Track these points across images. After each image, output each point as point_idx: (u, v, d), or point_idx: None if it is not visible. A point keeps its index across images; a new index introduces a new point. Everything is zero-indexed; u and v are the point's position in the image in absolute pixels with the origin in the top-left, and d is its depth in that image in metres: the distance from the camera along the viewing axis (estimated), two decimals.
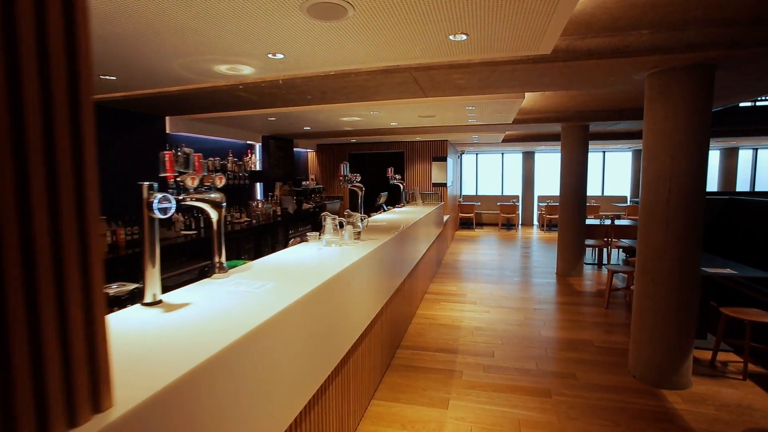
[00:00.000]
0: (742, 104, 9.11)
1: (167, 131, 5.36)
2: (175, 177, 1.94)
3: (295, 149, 8.96)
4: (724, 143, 11.37)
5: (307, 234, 2.89)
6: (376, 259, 2.92)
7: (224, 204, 2.06)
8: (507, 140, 9.58)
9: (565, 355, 3.78)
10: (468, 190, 14.13)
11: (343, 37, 2.42)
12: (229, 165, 6.54)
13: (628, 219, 10.37)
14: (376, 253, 2.93)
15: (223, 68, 2.97)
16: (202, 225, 5.89)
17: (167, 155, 1.94)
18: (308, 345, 1.79)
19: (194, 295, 1.74)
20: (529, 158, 13.07)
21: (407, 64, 2.99)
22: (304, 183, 8.70)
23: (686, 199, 2.99)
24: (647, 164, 3.20)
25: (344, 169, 4.31)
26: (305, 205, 8.33)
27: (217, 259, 2.05)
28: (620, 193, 13.14)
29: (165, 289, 1.78)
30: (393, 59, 2.84)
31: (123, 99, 3.81)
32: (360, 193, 4.38)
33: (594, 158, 13.27)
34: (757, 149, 12.82)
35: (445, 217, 8.35)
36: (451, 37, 2.38)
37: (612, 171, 13.37)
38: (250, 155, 7.26)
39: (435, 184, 9.02)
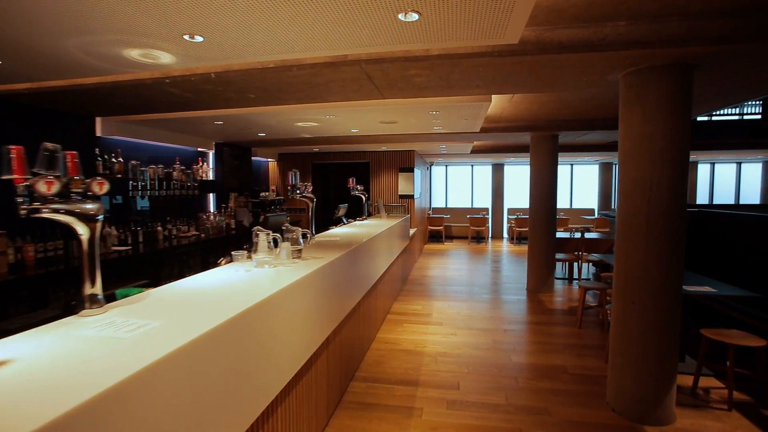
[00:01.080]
0: (699, 118, 9.22)
1: (98, 134, 4.76)
2: (26, 180, 1.45)
3: (253, 158, 8.42)
4: None
5: (233, 253, 2.40)
6: (318, 281, 2.46)
7: (100, 217, 1.57)
8: (476, 151, 9.35)
9: (537, 384, 3.40)
10: (437, 202, 13.87)
11: (272, 15, 1.99)
12: (175, 173, 5.95)
13: (597, 232, 10.30)
14: (320, 274, 2.48)
15: (134, 53, 2.48)
16: (141, 240, 5.27)
17: (14, 150, 1.44)
18: (203, 402, 1.31)
19: (21, 347, 1.23)
20: (498, 170, 12.95)
21: (356, 55, 2.59)
22: (262, 194, 8.14)
23: (668, 211, 2.69)
24: (624, 172, 2.89)
25: (293, 177, 3.86)
26: (263, 218, 7.76)
27: (88, 290, 1.54)
28: (588, 205, 13.16)
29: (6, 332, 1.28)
30: (337, 46, 2.43)
31: (27, 92, 3.24)
32: (311, 205, 3.92)
33: (562, 171, 13.28)
34: (714, 163, 13.16)
35: (412, 231, 7.97)
36: (401, 17, 1.99)
37: (580, 184, 13.41)
38: (201, 163, 6.68)
39: (402, 196, 8.66)
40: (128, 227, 5.13)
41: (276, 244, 2.50)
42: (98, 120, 4.68)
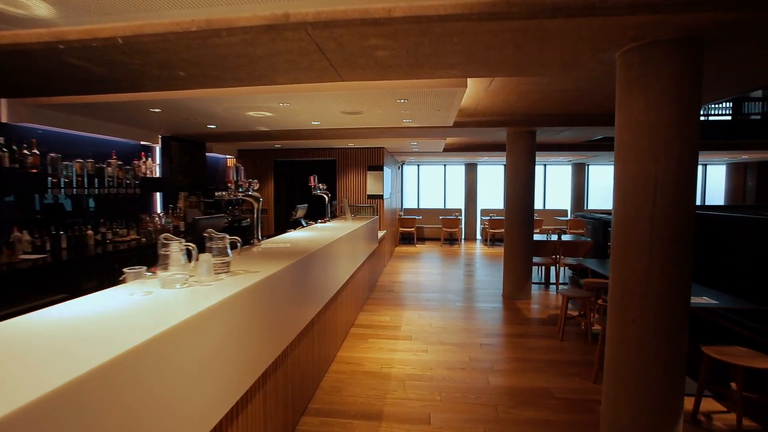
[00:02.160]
0: None
1: (3, 120, 4.00)
2: None
3: (209, 154, 7.69)
4: None
5: (125, 270, 1.80)
6: (249, 302, 1.89)
7: None
8: (449, 149, 8.93)
9: (520, 414, 2.93)
10: (409, 203, 13.42)
11: None
12: (109, 169, 5.20)
13: (571, 233, 10.08)
14: (252, 293, 1.91)
15: None
16: (64, 245, 4.53)
17: None
18: None
19: None
20: (471, 170, 12.61)
21: (299, 15, 2.03)
22: (217, 194, 7.41)
23: (676, 214, 2.26)
24: (622, 169, 2.45)
25: (234, 173, 3.28)
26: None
27: None
28: (561, 206, 12.99)
29: None
30: None
31: None
32: (255, 206, 3.34)
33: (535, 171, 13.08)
34: (706, 165, 13.26)
35: (381, 233, 7.45)
36: None
37: (552, 185, 13.23)
38: (144, 159, 5.94)
39: (370, 196, 8.12)
40: (47, 231, 4.39)
41: (190, 255, 1.91)
42: (2, 103, 3.93)
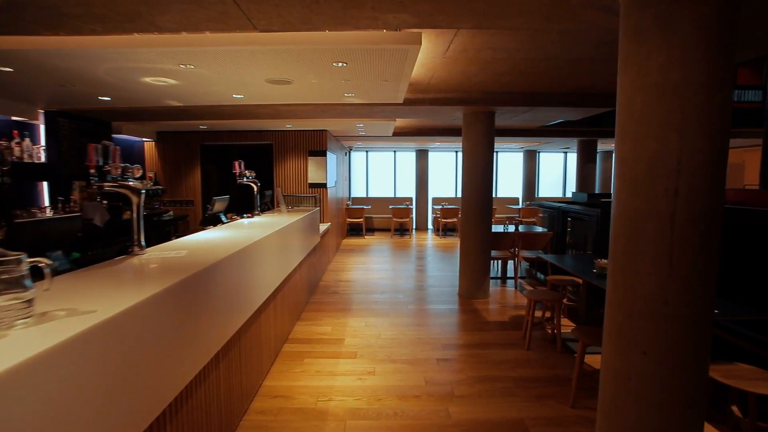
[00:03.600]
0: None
1: None
2: None
3: (118, 136, 6.47)
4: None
5: None
6: (79, 359, 1.06)
7: None
8: (399, 133, 8.23)
9: None
10: (357, 191, 12.64)
11: None
12: None
13: (524, 223, 9.78)
14: (75, 353, 1.08)
15: None
16: None
17: None
18: None
19: None
20: (422, 157, 12.02)
21: None
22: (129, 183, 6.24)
23: (704, 210, 1.67)
24: (629, 149, 1.83)
25: (98, 152, 2.36)
26: (129, 214, 5.93)
27: None
28: (512, 194, 12.77)
29: None
30: None
31: None
32: (135, 200, 2.44)
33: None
34: None
35: (324, 226, 6.64)
36: None
37: (504, 172, 12.96)
38: (19, 139, 4.72)
39: (312, 185, 7.25)
40: None
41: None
42: None
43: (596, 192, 10.91)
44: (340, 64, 3.04)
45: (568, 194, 13.03)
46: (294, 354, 3.67)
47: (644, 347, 1.79)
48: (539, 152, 12.59)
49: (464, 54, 3.32)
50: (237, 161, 4.45)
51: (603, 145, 10.51)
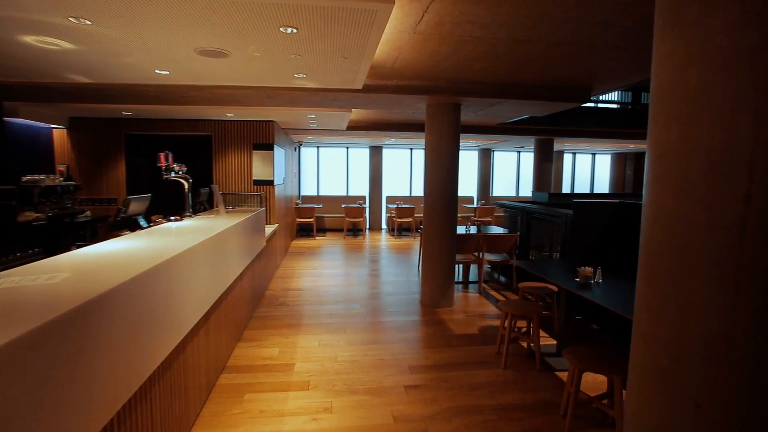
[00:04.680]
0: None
1: None
2: None
3: (19, 120, 5.37)
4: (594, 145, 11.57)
5: None
6: None
7: None
8: (353, 127, 7.65)
9: None
10: (308, 189, 11.91)
11: None
12: None
13: (480, 222, 9.56)
14: None
15: None
16: None
17: None
18: None
19: None
20: (376, 154, 11.51)
21: None
22: (27, 178, 5.19)
23: None
24: (675, 138, 1.39)
25: None
26: (29, 214, 4.91)
27: None
28: (467, 193, 12.58)
29: None
30: None
31: None
32: None
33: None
34: (594, 154, 13.78)
35: (271, 228, 5.93)
36: None
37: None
38: None
39: (257, 182, 6.49)
40: None
41: None
42: None
43: (552, 192, 10.97)
44: (290, 30, 2.43)
45: (522, 193, 13.08)
46: (232, 388, 3.01)
47: (699, 399, 1.36)
48: (494, 151, 12.51)
49: (438, 29, 2.82)
50: (163, 153, 3.69)
51: (557, 145, 10.53)
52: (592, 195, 9.67)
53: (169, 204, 4.56)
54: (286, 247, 8.29)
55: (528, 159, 13.15)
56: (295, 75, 3.51)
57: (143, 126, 6.41)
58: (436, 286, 4.91)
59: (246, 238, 4.03)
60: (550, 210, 5.31)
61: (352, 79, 3.63)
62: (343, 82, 3.77)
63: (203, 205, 4.90)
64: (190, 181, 3.85)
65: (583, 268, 3.19)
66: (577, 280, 3.21)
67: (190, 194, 3.89)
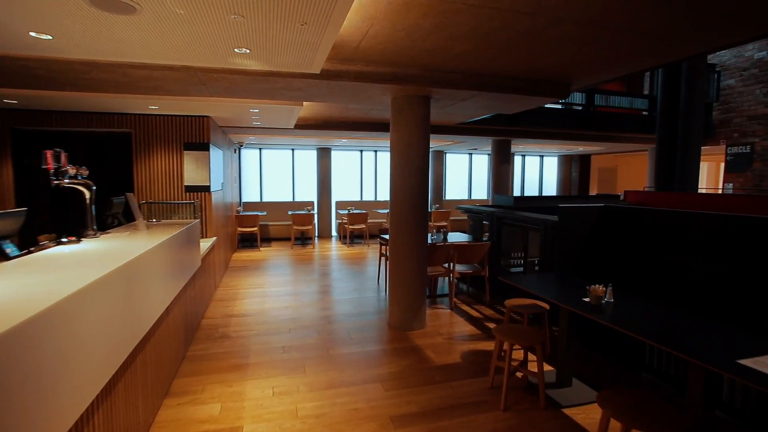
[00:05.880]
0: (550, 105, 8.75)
1: None
2: None
3: None
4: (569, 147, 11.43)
5: None
6: None
7: None
8: (302, 126, 6.85)
9: None
10: (250, 195, 10.85)
11: None
12: None
13: (435, 227, 9.06)
14: None
15: None
16: None
17: None
18: None
19: None
20: (325, 156, 10.72)
21: None
22: None
23: None
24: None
25: None
26: None
27: None
28: None
29: None
30: None
31: None
32: None
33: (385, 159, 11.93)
34: (543, 156, 13.84)
35: (207, 243, 4.99)
36: None
37: None
38: None
39: (190, 188, 5.50)
40: None
41: None
42: None
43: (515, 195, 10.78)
44: None
45: (474, 197, 12.88)
46: None
47: None
48: (446, 153, 12.19)
49: (399, 17, 2.18)
50: (51, 151, 2.73)
51: (513, 146, 10.35)
52: (546, 198, 9.56)
53: (68, 219, 3.54)
54: (227, 261, 7.28)
55: (479, 161, 12.98)
56: (236, 50, 2.71)
57: (38, 119, 5.18)
58: (407, 305, 4.27)
59: (175, 260, 3.14)
60: (526, 215, 4.88)
61: (309, 58, 2.90)
62: (298, 62, 3.02)
63: (117, 218, 3.90)
64: (93, 188, 2.90)
65: (594, 286, 2.69)
66: (587, 300, 2.72)
67: (93, 206, 2.94)
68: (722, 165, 9.99)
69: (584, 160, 13.95)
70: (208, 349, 3.74)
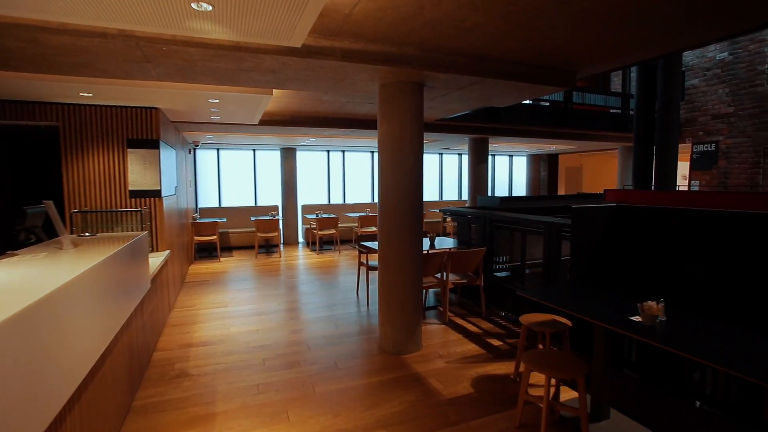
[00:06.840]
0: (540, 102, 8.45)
1: None
2: None
3: None
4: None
5: None
6: None
7: None
8: (268, 122, 6.12)
9: None
10: (207, 201, 9.90)
11: None
12: None
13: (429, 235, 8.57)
14: None
15: None
16: None
17: None
18: None
19: None
20: (289, 156, 9.94)
21: None
22: None
23: None
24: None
25: None
26: None
27: None
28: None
29: None
30: None
31: None
32: None
33: (363, 159, 11.36)
34: (512, 156, 13.62)
35: (158, 258, 4.18)
36: None
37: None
38: None
39: (136, 194, 4.63)
40: None
41: None
42: None
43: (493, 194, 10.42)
44: None
45: (445, 197, 12.50)
46: None
47: None
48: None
49: None
50: None
51: (491, 144, 10.02)
52: (529, 198, 9.29)
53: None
54: (183, 275, 6.39)
55: (450, 162, 12.63)
56: (194, 6, 2.02)
57: None
58: (402, 326, 3.68)
59: (114, 287, 2.39)
60: (525, 218, 4.43)
61: (291, 23, 2.25)
62: (275, 29, 2.37)
63: (35, 233, 3.06)
64: None
65: (647, 303, 2.23)
66: (638, 320, 2.25)
67: None
68: (687, 163, 10.13)
69: (552, 159, 13.95)
70: (162, 395, 2.98)
